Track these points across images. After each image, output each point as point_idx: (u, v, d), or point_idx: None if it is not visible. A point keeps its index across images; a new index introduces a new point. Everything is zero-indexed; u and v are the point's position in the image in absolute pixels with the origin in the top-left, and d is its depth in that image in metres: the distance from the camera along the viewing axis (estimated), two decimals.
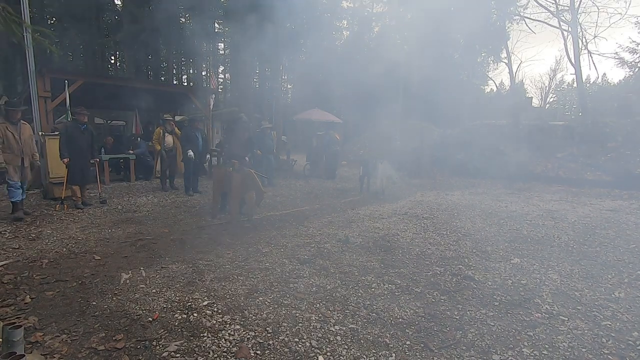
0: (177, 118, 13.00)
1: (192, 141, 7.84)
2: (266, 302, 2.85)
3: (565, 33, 13.09)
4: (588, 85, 37.98)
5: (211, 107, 12.02)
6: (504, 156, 11.69)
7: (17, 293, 2.95)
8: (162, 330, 2.42)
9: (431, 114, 19.74)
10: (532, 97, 26.94)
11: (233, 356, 2.16)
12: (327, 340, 2.35)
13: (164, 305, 2.76)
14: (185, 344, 2.27)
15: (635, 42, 19.38)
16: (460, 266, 3.74)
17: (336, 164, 12.21)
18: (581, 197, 8.32)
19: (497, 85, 29.85)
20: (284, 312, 2.71)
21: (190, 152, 7.67)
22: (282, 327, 2.48)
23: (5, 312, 2.62)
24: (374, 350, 2.24)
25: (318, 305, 2.83)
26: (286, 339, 2.35)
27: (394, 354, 2.21)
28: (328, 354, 2.20)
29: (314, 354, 2.19)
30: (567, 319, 2.66)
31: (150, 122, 12.36)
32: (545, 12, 14.22)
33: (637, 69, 21.04)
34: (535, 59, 64.39)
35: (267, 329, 2.47)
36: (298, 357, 2.16)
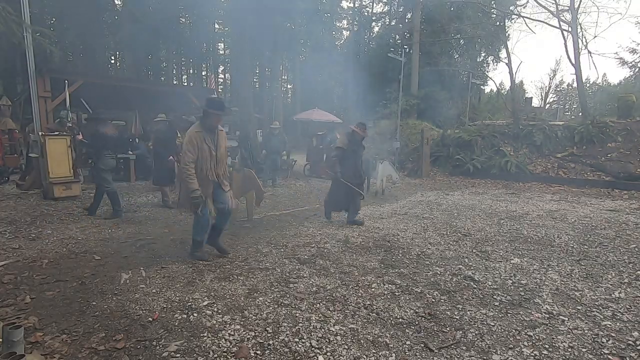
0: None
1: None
2: (266, 302, 2.85)
3: (565, 33, 13.04)
4: (588, 85, 37.98)
5: None
6: (504, 156, 11.69)
7: (17, 293, 2.95)
8: (162, 330, 2.42)
9: (431, 114, 19.74)
10: (532, 97, 26.90)
11: (233, 356, 2.16)
12: (327, 340, 2.35)
13: (164, 305, 2.76)
14: (185, 344, 2.27)
15: (635, 42, 19.40)
16: (460, 266, 3.74)
17: None
18: (581, 197, 8.32)
19: (497, 85, 29.80)
20: (284, 312, 2.71)
21: None
22: (282, 327, 2.48)
23: (5, 312, 2.62)
24: (374, 350, 2.24)
25: (318, 305, 2.83)
26: (286, 339, 2.35)
27: (394, 354, 2.21)
28: (328, 354, 2.20)
29: (314, 354, 2.19)
30: (567, 319, 2.66)
31: (149, 122, 12.34)
32: (545, 12, 14.18)
33: (637, 69, 21.05)
34: (535, 59, 64.34)
35: (267, 329, 2.46)
36: (298, 357, 2.16)
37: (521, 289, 3.19)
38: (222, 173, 3.79)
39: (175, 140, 6.75)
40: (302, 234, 4.95)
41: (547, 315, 2.71)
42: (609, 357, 2.20)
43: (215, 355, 2.16)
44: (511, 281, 3.36)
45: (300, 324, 2.53)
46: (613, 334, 2.45)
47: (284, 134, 11.43)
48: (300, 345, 2.28)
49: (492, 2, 18.28)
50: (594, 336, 2.43)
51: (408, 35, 25.85)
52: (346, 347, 2.28)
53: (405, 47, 23.23)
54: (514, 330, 2.49)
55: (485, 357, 2.19)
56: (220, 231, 3.99)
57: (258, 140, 13.82)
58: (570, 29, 12.80)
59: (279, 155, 10.23)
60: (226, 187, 3.84)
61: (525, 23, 17.95)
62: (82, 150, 6.25)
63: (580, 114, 17.87)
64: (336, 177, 5.50)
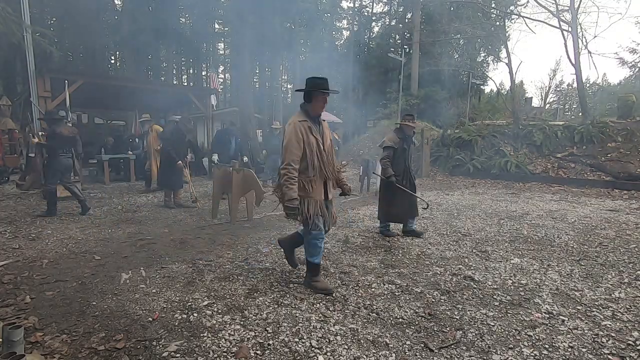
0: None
1: (224, 145, 7.78)
2: (266, 302, 2.85)
3: (565, 33, 13.04)
4: (588, 85, 37.99)
5: (214, 107, 12.06)
6: (504, 156, 11.69)
7: (17, 293, 2.95)
8: (162, 330, 2.42)
9: (431, 114, 19.76)
10: (532, 97, 26.94)
11: (233, 356, 2.16)
12: (327, 340, 2.35)
13: (164, 305, 2.76)
14: (185, 344, 2.27)
15: (635, 42, 19.41)
16: (460, 266, 3.74)
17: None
18: (581, 197, 8.32)
19: (497, 85, 29.84)
20: (284, 312, 2.71)
21: (215, 157, 7.69)
22: (282, 327, 2.48)
23: (5, 312, 2.62)
24: (374, 350, 2.24)
25: (318, 305, 2.83)
26: (286, 339, 2.35)
27: (394, 354, 2.21)
28: (328, 354, 2.20)
29: (314, 354, 2.19)
30: (567, 319, 2.66)
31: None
32: (545, 12, 14.18)
33: (637, 69, 21.06)
34: (535, 59, 64.32)
35: (267, 329, 2.46)
36: (298, 357, 2.16)
37: (521, 289, 3.19)
38: (332, 174, 3.00)
39: (185, 142, 6.69)
40: None
41: (547, 315, 2.71)
42: (609, 357, 2.20)
43: (215, 355, 2.16)
44: (511, 281, 3.36)
45: (300, 324, 2.53)
46: (613, 334, 2.45)
47: (284, 134, 11.45)
48: (300, 345, 2.28)
49: (492, 2, 18.29)
50: (594, 336, 2.43)
51: (408, 35, 25.87)
52: (346, 347, 2.28)
53: (405, 47, 23.24)
54: (514, 330, 2.49)
55: (485, 357, 2.19)
56: (300, 243, 3.28)
57: (258, 140, 13.81)
58: (570, 29, 12.80)
59: (279, 155, 10.22)
60: (331, 194, 3.05)
61: (525, 23, 17.98)
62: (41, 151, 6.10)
63: (580, 114, 17.87)
64: (389, 183, 4.76)
